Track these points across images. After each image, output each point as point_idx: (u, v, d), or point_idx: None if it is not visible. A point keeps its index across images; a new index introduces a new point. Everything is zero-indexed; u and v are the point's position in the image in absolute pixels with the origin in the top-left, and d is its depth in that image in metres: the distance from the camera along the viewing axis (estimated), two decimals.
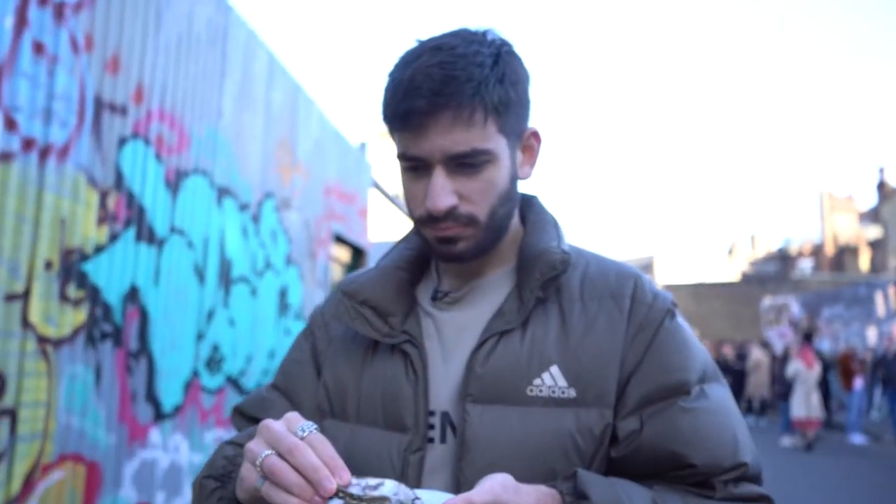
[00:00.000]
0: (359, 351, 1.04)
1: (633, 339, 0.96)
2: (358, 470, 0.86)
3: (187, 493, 3.61)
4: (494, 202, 0.95)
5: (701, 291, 29.80)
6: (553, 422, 0.91)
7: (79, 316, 2.77)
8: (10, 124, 2.39)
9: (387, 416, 0.97)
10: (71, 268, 2.72)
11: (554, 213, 1.09)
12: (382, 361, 1.01)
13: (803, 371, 11.54)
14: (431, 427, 0.95)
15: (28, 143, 2.48)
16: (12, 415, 2.43)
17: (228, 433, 4.05)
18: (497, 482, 0.79)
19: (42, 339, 2.56)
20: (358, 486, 0.75)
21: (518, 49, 0.97)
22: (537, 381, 0.93)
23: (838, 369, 14.27)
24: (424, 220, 0.96)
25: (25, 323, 2.47)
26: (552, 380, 0.93)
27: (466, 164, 0.91)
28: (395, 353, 1.00)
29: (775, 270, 37.70)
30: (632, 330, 0.96)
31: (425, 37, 0.96)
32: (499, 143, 0.93)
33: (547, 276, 0.96)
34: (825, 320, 19.13)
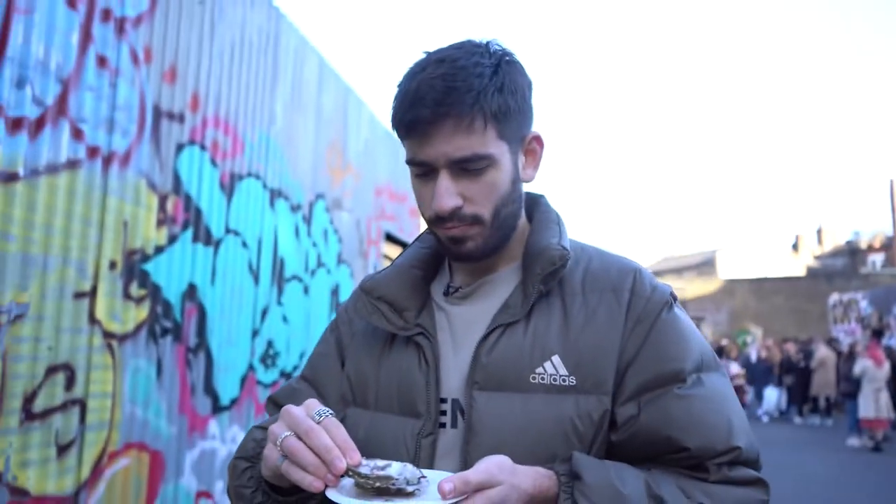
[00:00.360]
0: (378, 344, 1.12)
1: (631, 330, 1.01)
2: (376, 453, 0.94)
3: None
4: (497, 203, 1.02)
5: (764, 287, 28.89)
6: (554, 407, 0.97)
7: (141, 313, 2.95)
8: (77, 134, 2.56)
9: (402, 403, 1.05)
10: (133, 267, 2.90)
11: (558, 211, 1.15)
12: (398, 353, 1.09)
13: (871, 369, 11.12)
14: (443, 413, 1.02)
15: (93, 151, 2.65)
16: (82, 405, 2.61)
17: None
18: (493, 462, 0.85)
19: (107, 335, 2.74)
20: (367, 466, 0.83)
21: (519, 58, 1.04)
22: (539, 370, 0.99)
23: None
24: (434, 221, 1.04)
25: (92, 319, 2.65)
26: (553, 368, 0.99)
27: (469, 167, 0.98)
28: (409, 345, 1.08)
29: (843, 265, 36.30)
30: (630, 322, 1.02)
31: (432, 48, 1.04)
32: (499, 148, 1.00)
33: (547, 271, 1.02)
34: (895, 317, 18.34)
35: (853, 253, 35.87)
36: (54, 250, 2.45)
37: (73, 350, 2.56)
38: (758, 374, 15.99)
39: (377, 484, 0.81)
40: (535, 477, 0.88)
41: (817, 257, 40.81)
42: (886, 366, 11.35)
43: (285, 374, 4.27)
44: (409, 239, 6.93)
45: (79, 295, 2.59)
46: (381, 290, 1.11)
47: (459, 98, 0.95)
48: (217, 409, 3.53)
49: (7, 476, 2.26)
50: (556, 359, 1.00)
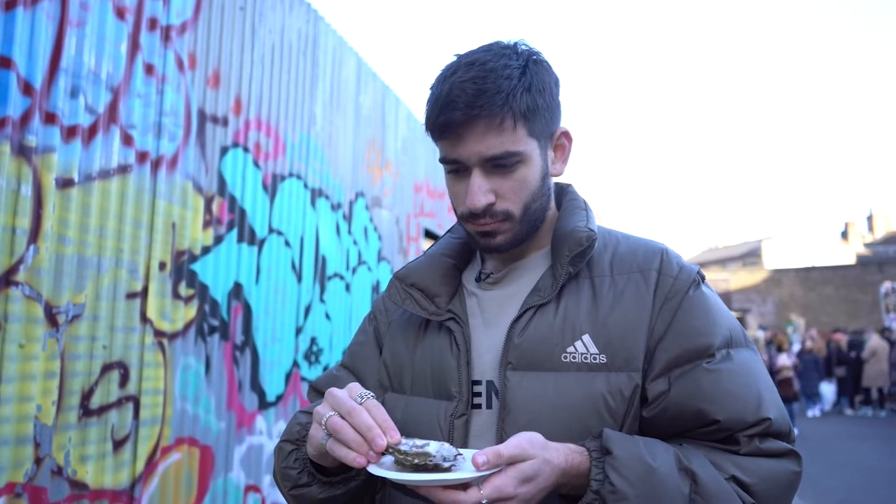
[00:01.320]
0: (412, 331, 1.18)
1: (660, 308, 1.05)
2: (413, 435, 0.98)
3: None
4: (528, 198, 1.07)
5: (812, 276, 28.14)
6: (585, 385, 1.01)
7: (189, 312, 3.04)
8: (127, 140, 2.66)
9: (435, 386, 1.11)
10: (182, 268, 2.99)
11: (585, 198, 1.20)
12: (431, 338, 1.15)
13: None
14: (477, 395, 1.07)
15: (142, 156, 2.74)
16: (135, 401, 2.71)
17: None
18: (524, 438, 0.89)
19: (158, 333, 2.83)
20: (407, 444, 0.88)
21: (546, 57, 1.09)
22: (570, 349, 1.03)
23: None
24: (466, 217, 1.09)
25: (144, 318, 2.75)
26: (584, 347, 1.03)
27: (500, 165, 1.03)
28: (441, 330, 1.13)
29: (895, 252, 35.19)
30: (658, 300, 1.05)
31: (463, 51, 1.09)
32: (529, 145, 1.05)
33: (575, 252, 1.06)
34: None
35: None
36: (107, 252, 2.55)
37: (127, 348, 2.65)
38: (803, 368, 15.58)
39: (416, 460, 0.86)
40: (566, 452, 0.92)
41: (868, 245, 39.61)
42: None
43: None
44: None
45: (131, 295, 2.68)
46: (413, 278, 1.17)
47: (490, 100, 0.99)
48: (263, 404, 3.62)
49: (67, 470, 2.36)
50: (586, 338, 1.03)
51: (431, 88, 1.07)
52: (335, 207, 4.46)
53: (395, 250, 5.53)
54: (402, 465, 0.88)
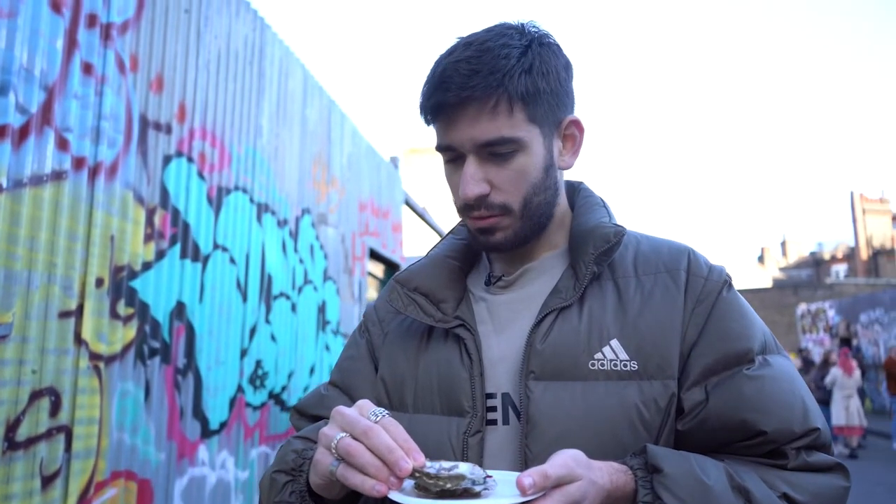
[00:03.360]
0: (413, 341, 1.07)
1: (692, 311, 0.96)
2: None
3: None
4: (527, 191, 0.97)
5: None
6: (617, 395, 0.91)
7: (129, 332, 2.79)
8: (62, 144, 2.42)
9: (444, 401, 0.99)
10: (121, 285, 2.75)
11: (602, 196, 1.11)
12: (436, 348, 1.03)
13: (841, 377, 11.32)
14: (492, 409, 0.96)
15: (79, 162, 2.51)
16: (68, 432, 2.44)
17: (273, 450, 4.04)
18: (569, 456, 0.78)
19: (94, 356, 2.58)
20: (432, 466, 0.76)
21: (556, 40, 1.00)
22: (598, 356, 0.94)
23: (883, 374, 13.92)
24: (462, 210, 0.99)
25: (78, 340, 2.49)
26: (613, 353, 0.93)
27: (496, 152, 0.94)
28: (448, 339, 1.02)
29: (808, 276, 37.01)
30: (690, 303, 0.97)
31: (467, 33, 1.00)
32: (529, 132, 0.95)
33: (601, 249, 0.97)
34: (862, 325, 18.72)
35: (817, 264, 36.66)
36: (39, 266, 2.30)
37: (59, 373, 2.39)
38: None
39: (448, 485, 0.74)
40: (609, 472, 0.81)
41: (783, 269, 41.62)
42: (857, 374, 11.55)
43: (274, 396, 4.12)
44: (393, 255, 6.82)
45: (64, 314, 2.43)
46: (416, 281, 1.06)
47: (483, 80, 0.91)
48: (206, 433, 3.37)
49: None
50: (614, 343, 0.94)
51: (429, 71, 0.98)
52: (281, 224, 4.26)
53: (340, 269, 5.35)
54: (425, 491, 0.75)
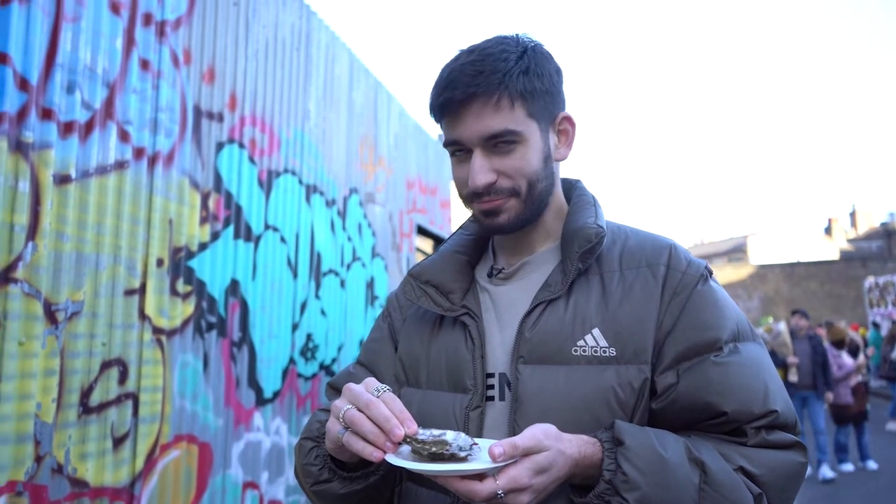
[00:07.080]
0: (427, 327, 1.21)
1: (668, 302, 1.07)
2: (428, 427, 1.00)
3: (290, 474, 3.86)
4: (531, 177, 1.09)
5: (797, 272, 28.39)
6: (595, 377, 1.03)
7: (187, 308, 3.02)
8: (124, 136, 2.64)
9: (451, 379, 1.13)
10: (179, 264, 2.97)
11: (594, 194, 1.23)
12: (446, 333, 1.17)
13: None
14: (491, 387, 1.09)
15: (139, 152, 2.72)
16: (134, 398, 2.69)
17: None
18: (539, 429, 0.91)
19: (157, 330, 2.82)
20: (424, 434, 0.90)
21: (548, 48, 1.13)
22: (581, 343, 1.05)
23: None
24: (470, 198, 1.12)
25: (142, 315, 2.73)
26: (594, 341, 1.05)
27: (500, 143, 1.06)
28: (456, 325, 1.16)
29: (878, 248, 35.57)
30: (667, 295, 1.07)
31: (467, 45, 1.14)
32: (529, 126, 1.08)
33: (584, 249, 1.09)
34: None
35: (888, 235, 35.08)
36: (105, 249, 2.53)
37: (125, 346, 2.64)
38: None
39: (433, 449, 0.88)
40: (579, 444, 0.94)
41: (851, 240, 40.02)
42: None
43: (324, 367, 4.34)
44: (441, 231, 6.97)
45: (129, 292, 2.66)
46: (427, 275, 1.20)
47: (486, 79, 1.03)
48: (261, 401, 3.61)
49: (67, 468, 2.35)
50: (596, 332, 1.05)
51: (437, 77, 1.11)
52: (329, 204, 4.45)
53: (388, 246, 5.53)
54: (419, 455, 0.90)
